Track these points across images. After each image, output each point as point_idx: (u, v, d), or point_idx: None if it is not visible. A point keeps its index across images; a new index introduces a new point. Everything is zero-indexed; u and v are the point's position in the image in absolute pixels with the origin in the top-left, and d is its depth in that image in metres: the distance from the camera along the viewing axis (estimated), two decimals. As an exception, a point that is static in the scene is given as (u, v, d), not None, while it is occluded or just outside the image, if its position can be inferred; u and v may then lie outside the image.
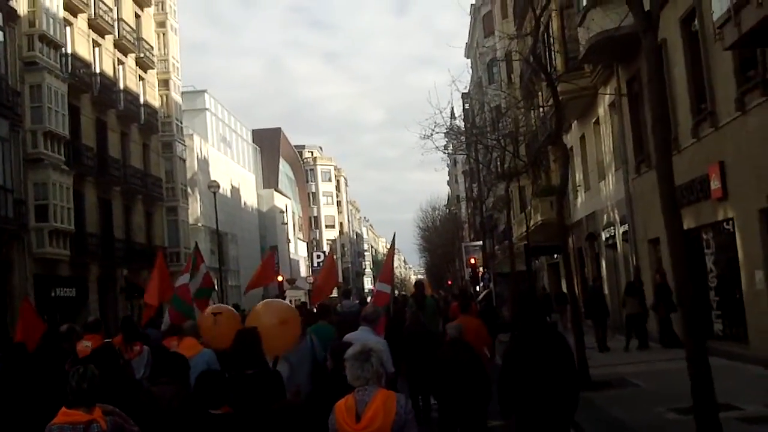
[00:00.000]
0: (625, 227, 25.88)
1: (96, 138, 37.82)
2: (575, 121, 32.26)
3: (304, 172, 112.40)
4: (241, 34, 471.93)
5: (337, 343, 7.74)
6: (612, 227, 27.82)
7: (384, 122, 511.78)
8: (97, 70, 38.48)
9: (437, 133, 27.96)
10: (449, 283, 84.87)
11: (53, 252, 31.17)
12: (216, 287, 15.47)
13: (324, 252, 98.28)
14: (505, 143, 28.57)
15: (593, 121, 29.30)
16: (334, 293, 34.81)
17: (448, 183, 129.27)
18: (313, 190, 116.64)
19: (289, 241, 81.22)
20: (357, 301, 19.58)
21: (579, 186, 31.61)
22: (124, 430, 5.82)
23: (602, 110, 27.89)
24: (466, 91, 60.68)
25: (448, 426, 8.98)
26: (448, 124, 30.03)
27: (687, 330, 9.27)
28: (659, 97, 9.34)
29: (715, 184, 17.57)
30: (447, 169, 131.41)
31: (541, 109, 36.70)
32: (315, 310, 12.80)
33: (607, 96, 26.64)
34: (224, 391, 6.02)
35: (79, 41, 36.32)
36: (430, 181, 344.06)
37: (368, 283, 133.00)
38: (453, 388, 8.71)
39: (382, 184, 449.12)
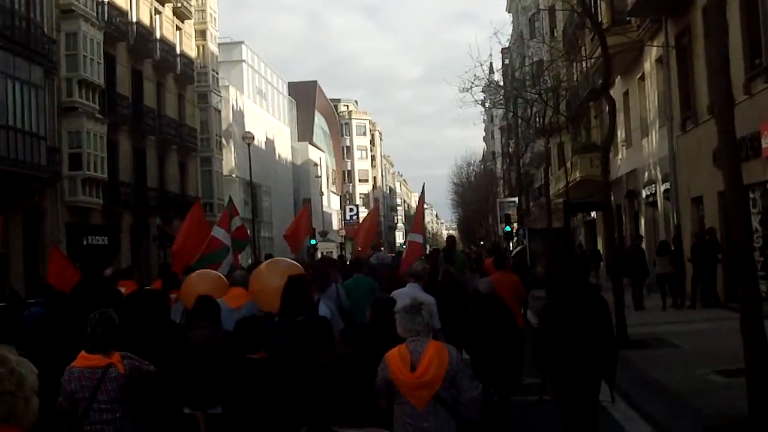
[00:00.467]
0: (667, 185, 25.24)
1: (131, 87, 37.62)
2: (619, 77, 31.36)
3: (339, 126, 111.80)
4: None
5: (378, 296, 7.67)
6: (653, 185, 27.17)
7: (420, 78, 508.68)
8: (134, 19, 38.12)
9: (476, 86, 27.30)
10: (481, 241, 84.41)
11: (86, 200, 31.19)
12: (250, 239, 15.66)
13: (357, 205, 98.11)
14: (546, 98, 27.86)
15: (638, 76, 28.49)
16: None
17: (484, 139, 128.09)
18: (348, 144, 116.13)
19: (322, 194, 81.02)
20: (391, 254, 19.33)
21: (623, 143, 30.83)
22: (141, 371, 5.89)
23: (648, 65, 27.08)
24: (507, 46, 59.74)
25: (482, 381, 8.58)
26: (488, 77, 29.33)
27: (743, 290, 8.83)
28: (720, 45, 8.77)
29: (766, 142, 16.90)
30: (484, 124, 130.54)
31: (584, 64, 35.89)
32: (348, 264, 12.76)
33: (654, 51, 25.84)
34: (262, 337, 6.06)
35: (115, -11, 35.97)
36: (465, 138, 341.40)
37: (400, 237, 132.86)
38: (486, 344, 8.68)
39: (417, 140, 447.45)
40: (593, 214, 39.79)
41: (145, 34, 39.02)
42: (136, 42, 37.68)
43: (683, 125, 23.13)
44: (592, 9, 29.39)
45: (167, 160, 42.00)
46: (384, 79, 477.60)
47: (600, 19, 27.52)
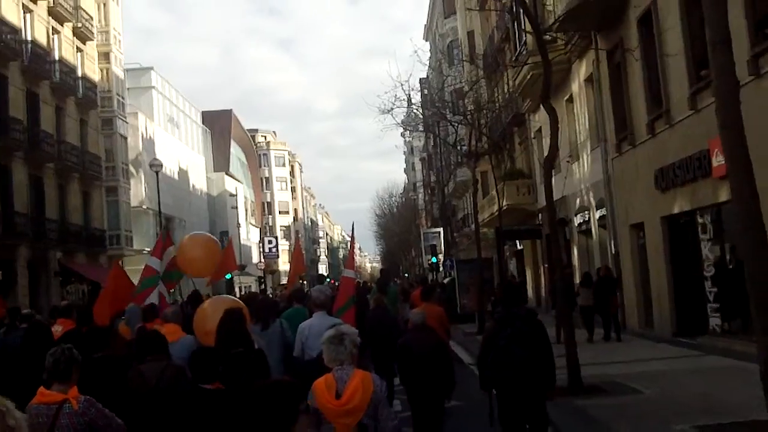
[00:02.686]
0: (603, 211, 23.81)
1: (26, 110, 34.75)
2: (545, 99, 30.09)
3: (257, 157, 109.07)
4: (192, 19, 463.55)
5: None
6: (586, 212, 25.73)
7: (338, 111, 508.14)
8: (28, 38, 35.35)
9: (397, 107, 25.52)
10: (405, 274, 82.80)
11: (-27, 232, 28.25)
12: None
13: (276, 237, 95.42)
14: (472, 118, 26.25)
15: (566, 98, 27.13)
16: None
17: (405, 171, 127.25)
18: (267, 175, 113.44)
19: (239, 225, 78.16)
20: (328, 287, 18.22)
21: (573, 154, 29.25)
22: (96, 410, 5.66)
23: (576, 86, 25.75)
24: (426, 76, 58.52)
25: (417, 410, 9.25)
26: (409, 99, 27.60)
27: (760, 325, 7.04)
28: (720, 14, 6.99)
29: (717, 161, 15.40)
30: (404, 156, 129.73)
31: (505, 89, 34.63)
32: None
33: (583, 70, 24.53)
34: (216, 368, 6.16)
35: (7, 6, 33.14)
36: (386, 171, 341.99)
37: (323, 270, 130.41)
38: (419, 374, 8.95)
39: (338, 173, 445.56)
40: (518, 245, 38.48)
41: (41, 54, 36.21)
42: (31, 62, 34.87)
43: (618, 147, 21.73)
44: (515, 28, 28.16)
45: (69, 190, 39.03)
46: (301, 111, 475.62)
47: (524, 40, 26.21)
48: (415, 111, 31.78)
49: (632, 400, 11.45)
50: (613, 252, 23.03)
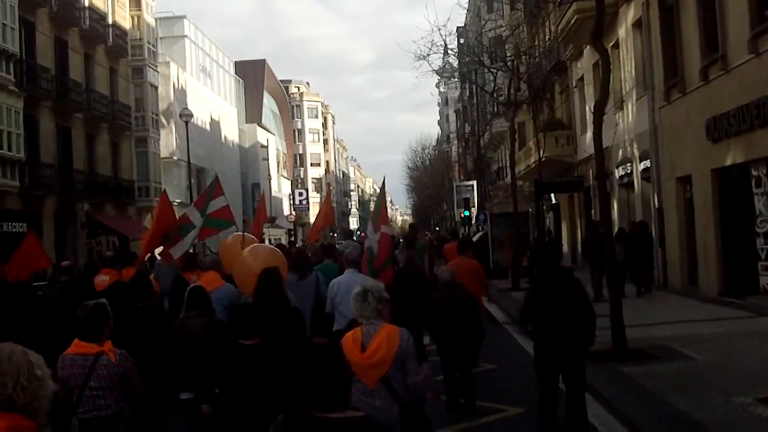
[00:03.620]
0: (647, 163, 22.70)
1: (55, 59, 34.04)
2: (587, 47, 28.74)
3: (290, 108, 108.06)
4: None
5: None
6: (629, 164, 24.60)
7: (373, 63, 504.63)
8: (57, -18, 34.54)
9: (434, 53, 24.42)
10: (436, 227, 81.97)
11: (-2, 183, 27.81)
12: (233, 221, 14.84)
13: (306, 189, 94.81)
14: (512, 64, 25.08)
15: (611, 44, 25.74)
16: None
17: (439, 123, 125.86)
18: (299, 127, 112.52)
19: (270, 177, 77.51)
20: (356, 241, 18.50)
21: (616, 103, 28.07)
22: (131, 363, 5.92)
23: (623, 30, 24.46)
24: (463, 25, 56.90)
25: (447, 364, 9.47)
26: (446, 47, 26.41)
27: None
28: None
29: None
30: (438, 108, 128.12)
31: (546, 37, 33.30)
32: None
33: (632, 13, 23.27)
34: (256, 324, 6.31)
35: (34, -50, 32.32)
36: (420, 123, 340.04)
37: (354, 223, 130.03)
38: (449, 331, 9.19)
39: (371, 126, 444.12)
40: (554, 199, 37.40)
41: (70, 0, 35.37)
42: (60, 8, 34.06)
43: (667, 95, 20.56)
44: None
45: (97, 140, 38.45)
46: (337, 64, 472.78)
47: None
48: (451, 58, 30.54)
49: (684, 368, 10.52)
50: (656, 206, 21.97)
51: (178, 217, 13.08)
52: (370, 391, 5.27)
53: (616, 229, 25.02)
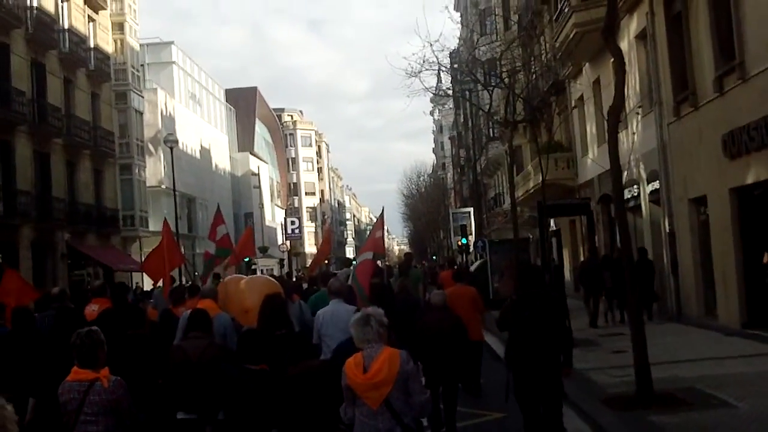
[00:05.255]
0: (655, 185, 21.20)
1: (31, 82, 32.71)
2: (587, 64, 27.46)
3: (283, 137, 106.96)
4: (222, 1, 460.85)
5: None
6: (635, 186, 23.08)
7: (368, 92, 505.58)
8: (34, 3, 33.21)
9: (426, 70, 23.02)
10: (433, 256, 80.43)
11: (-31, 211, 26.27)
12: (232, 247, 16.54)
13: (299, 218, 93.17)
14: (509, 81, 23.65)
15: (611, 60, 24.40)
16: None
17: (434, 150, 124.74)
18: (293, 156, 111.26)
19: (261, 206, 75.97)
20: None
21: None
22: (124, 391, 5.99)
23: (626, 44, 22.97)
24: (456, 48, 55.66)
25: (433, 388, 9.16)
26: (439, 67, 24.96)
27: None
28: None
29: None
30: (433, 135, 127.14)
31: (543, 54, 31.98)
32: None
33: (634, 25, 21.89)
34: (263, 350, 6.30)
35: (10, -31, 31.05)
36: (415, 152, 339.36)
37: (350, 253, 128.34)
38: (437, 354, 9.18)
39: (366, 155, 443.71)
40: (554, 225, 35.86)
41: (47, 22, 34.05)
42: (36, 30, 32.74)
43: (676, 110, 19.10)
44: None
45: (78, 167, 37.00)
46: (331, 93, 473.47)
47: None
48: (444, 76, 29.17)
49: (726, 418, 8.83)
50: (668, 230, 20.43)
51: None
52: (374, 413, 5.33)
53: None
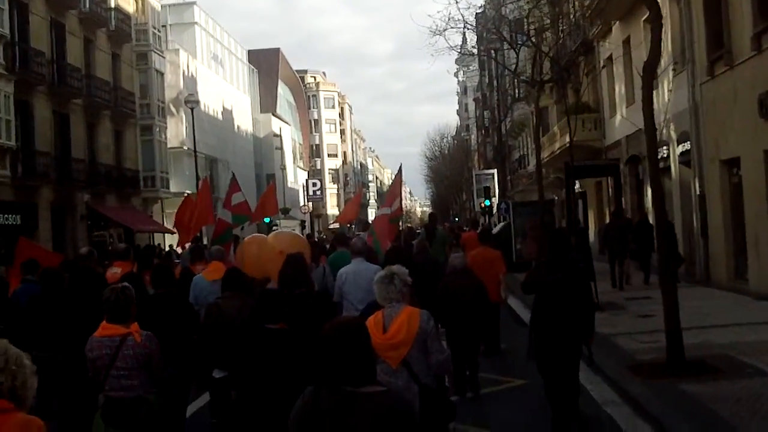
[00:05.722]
0: (686, 146, 20.62)
1: (51, 42, 32.34)
2: (617, 23, 26.73)
3: (306, 98, 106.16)
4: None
5: None
6: (665, 147, 22.44)
7: (392, 54, 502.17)
8: (52, -37, 32.79)
9: (451, 28, 22.39)
10: (455, 218, 79.92)
11: (-13, 172, 26.13)
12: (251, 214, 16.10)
13: (320, 180, 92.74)
14: (536, 39, 22.99)
15: (644, 17, 23.65)
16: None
17: (458, 112, 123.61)
18: (315, 117, 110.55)
19: (284, 167, 75.62)
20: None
21: (623, 101, 25.97)
22: (156, 344, 6.20)
23: (658, 3, 22.28)
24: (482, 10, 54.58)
25: (457, 350, 9.28)
26: (463, 22, 24.31)
27: None
28: None
29: None
30: (457, 97, 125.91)
31: (572, 14, 31.16)
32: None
33: (667, -19, 21.12)
34: (282, 309, 6.27)
35: (27, -74, 30.54)
36: (439, 115, 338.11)
37: (371, 214, 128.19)
38: (459, 316, 9.27)
39: (390, 118, 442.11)
40: (578, 187, 35.23)
41: (67, -20, 33.60)
42: (55, -11, 32.31)
43: (711, 69, 18.44)
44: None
45: (98, 128, 36.73)
46: (355, 56, 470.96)
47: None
48: (470, 35, 28.52)
49: (763, 388, 8.40)
50: (698, 192, 19.89)
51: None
52: (393, 371, 5.42)
53: (650, 217, 23.09)
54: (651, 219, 21.77)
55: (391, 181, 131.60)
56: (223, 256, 10.16)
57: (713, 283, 18.97)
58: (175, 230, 22.69)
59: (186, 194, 29.18)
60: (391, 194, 15.11)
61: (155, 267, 9.46)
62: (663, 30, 21.23)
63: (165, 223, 40.62)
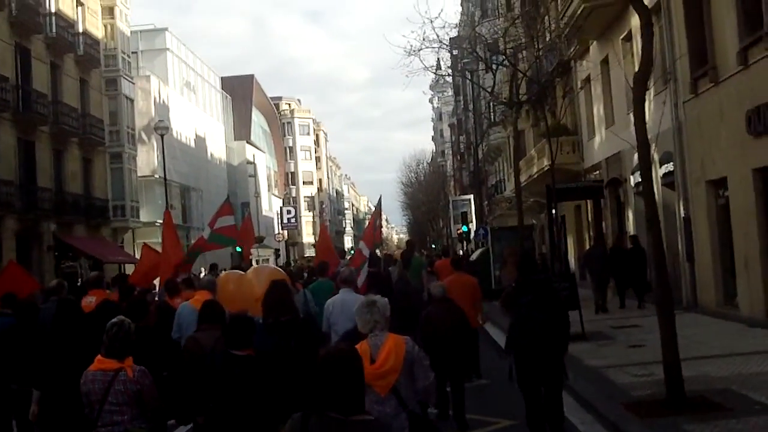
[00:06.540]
0: (668, 167, 20.04)
1: (15, 67, 31.46)
2: (594, 42, 26.29)
3: (281, 125, 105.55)
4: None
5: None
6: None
7: (368, 81, 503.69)
8: (17, -14, 31.95)
9: (426, 47, 21.78)
10: (432, 245, 79.26)
11: (-55, 201, 25.09)
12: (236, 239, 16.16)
13: (294, 207, 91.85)
14: (513, 58, 22.45)
15: (622, 36, 23.27)
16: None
17: (433, 139, 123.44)
18: (290, 144, 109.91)
19: (258, 195, 74.67)
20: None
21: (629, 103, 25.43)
22: (149, 381, 6.11)
23: (637, 20, 21.79)
24: (457, 34, 54.37)
25: (439, 379, 8.88)
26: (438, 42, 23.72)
27: None
28: None
29: None
30: (432, 123, 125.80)
31: (546, 34, 30.75)
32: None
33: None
34: (250, 336, 6.25)
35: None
36: (415, 141, 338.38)
37: (348, 242, 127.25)
38: (441, 345, 9.24)
39: (366, 145, 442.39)
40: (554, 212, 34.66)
41: (32, 5, 32.75)
42: (20, 13, 31.46)
43: (694, 86, 17.92)
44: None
45: (66, 156, 35.78)
46: (330, 83, 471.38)
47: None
48: (443, 47, 28.01)
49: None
50: (683, 215, 19.29)
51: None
52: (382, 399, 5.36)
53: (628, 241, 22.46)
54: (630, 243, 21.41)
55: (368, 209, 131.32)
56: (213, 287, 10.01)
57: (701, 309, 18.31)
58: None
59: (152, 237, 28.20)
60: (369, 229, 15.28)
61: (129, 301, 9.43)
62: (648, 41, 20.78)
63: (135, 254, 39.56)
